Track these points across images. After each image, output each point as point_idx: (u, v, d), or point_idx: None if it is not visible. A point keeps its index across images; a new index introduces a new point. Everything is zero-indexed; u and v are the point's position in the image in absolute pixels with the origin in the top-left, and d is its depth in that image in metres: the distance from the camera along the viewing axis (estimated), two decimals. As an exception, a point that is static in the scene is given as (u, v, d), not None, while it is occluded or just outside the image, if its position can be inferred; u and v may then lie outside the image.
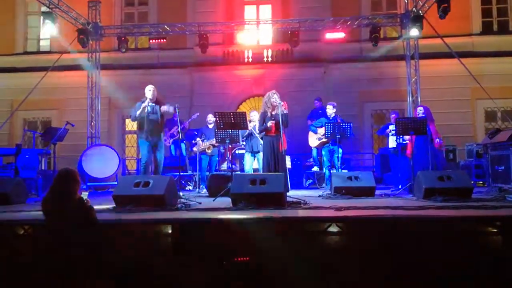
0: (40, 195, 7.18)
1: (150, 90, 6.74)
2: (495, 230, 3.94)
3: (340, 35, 10.80)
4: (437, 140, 7.17)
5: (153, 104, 6.73)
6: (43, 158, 8.83)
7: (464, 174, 6.04)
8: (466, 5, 12.84)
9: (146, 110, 6.63)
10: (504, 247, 3.79)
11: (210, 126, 8.61)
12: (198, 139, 8.51)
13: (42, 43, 14.27)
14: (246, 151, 7.90)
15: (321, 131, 8.20)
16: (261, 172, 7.19)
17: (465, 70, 9.76)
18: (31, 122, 14.00)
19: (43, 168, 8.89)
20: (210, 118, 8.67)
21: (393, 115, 8.36)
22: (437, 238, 3.91)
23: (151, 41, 11.35)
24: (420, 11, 9.93)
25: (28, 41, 14.26)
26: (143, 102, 6.69)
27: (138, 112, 6.65)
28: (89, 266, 3.52)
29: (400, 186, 7.75)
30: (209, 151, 8.39)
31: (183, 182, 9.13)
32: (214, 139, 7.96)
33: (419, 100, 10.70)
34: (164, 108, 6.73)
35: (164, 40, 10.92)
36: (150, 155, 6.68)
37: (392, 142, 8.37)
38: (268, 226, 4.12)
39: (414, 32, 9.88)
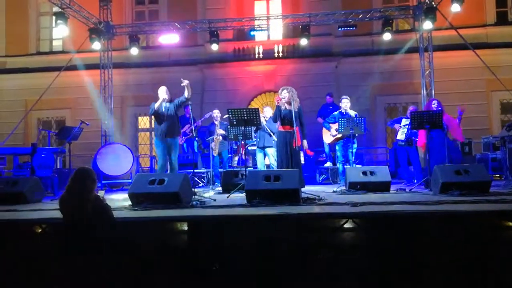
0: (56, 194, 7.26)
1: (163, 91, 6.79)
2: (516, 225, 3.87)
3: (352, 28, 10.64)
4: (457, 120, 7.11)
5: (168, 105, 6.76)
6: (58, 157, 8.93)
7: (482, 167, 5.94)
8: (480, -5, 12.62)
9: (162, 110, 6.67)
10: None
11: (216, 122, 8.62)
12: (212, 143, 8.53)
13: (54, 43, 14.40)
14: (256, 147, 7.90)
15: (335, 126, 8.14)
16: (275, 167, 7.20)
17: (480, 61, 9.61)
18: (45, 121, 14.15)
19: (58, 166, 8.99)
20: (216, 114, 8.66)
21: (411, 108, 8.19)
22: (455, 233, 3.86)
23: (161, 39, 11.32)
24: (433, 3, 9.78)
25: (41, 41, 14.39)
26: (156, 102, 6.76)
27: (156, 105, 6.67)
28: (106, 263, 3.54)
29: (415, 181, 7.68)
30: (219, 137, 8.38)
31: (196, 179, 9.15)
32: (218, 130, 8.08)
33: (433, 93, 10.55)
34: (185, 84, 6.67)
35: (175, 38, 10.92)
36: (166, 156, 6.73)
37: (400, 135, 8.24)
38: (284, 222, 4.11)
39: (427, 24, 9.74)
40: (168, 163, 6.81)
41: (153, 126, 13.75)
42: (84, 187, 3.61)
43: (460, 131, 7.29)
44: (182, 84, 6.62)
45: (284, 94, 6.53)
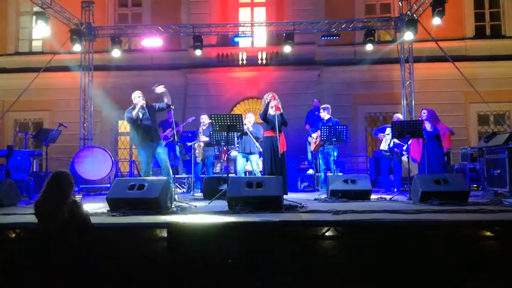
0: (32, 198, 7.07)
1: (140, 96, 6.49)
2: (493, 235, 3.92)
3: (335, 37, 10.76)
4: (445, 130, 7.21)
5: (144, 110, 6.51)
6: (34, 160, 8.71)
7: (461, 177, 6.04)
8: (460, 9, 12.92)
9: (140, 116, 6.42)
10: (502, 252, 3.77)
11: (204, 127, 8.54)
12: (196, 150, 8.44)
13: (34, 43, 14.12)
14: (238, 152, 7.86)
15: (315, 134, 8.23)
16: (257, 174, 7.18)
17: (458, 73, 9.80)
18: (22, 123, 13.82)
19: (34, 170, 8.77)
20: (204, 119, 8.59)
21: (396, 118, 8.34)
22: (435, 243, 3.88)
23: (144, 42, 11.19)
24: (415, 15, 9.95)
25: (20, 41, 14.09)
26: (134, 108, 6.47)
27: (134, 112, 6.39)
28: (82, 270, 3.44)
29: (395, 189, 7.78)
30: (201, 144, 8.31)
31: (177, 185, 9.05)
32: (201, 137, 8.00)
33: (413, 103, 10.73)
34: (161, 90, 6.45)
35: (159, 41, 10.82)
36: (149, 163, 6.54)
37: (384, 145, 8.36)
38: (265, 230, 4.08)
39: (408, 35, 9.91)
40: (160, 164, 6.57)
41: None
42: (61, 191, 3.51)
43: (445, 140, 7.40)
44: (159, 91, 6.38)
45: (277, 99, 6.60)
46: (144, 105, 6.44)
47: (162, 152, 6.53)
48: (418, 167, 7.34)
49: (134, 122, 6.45)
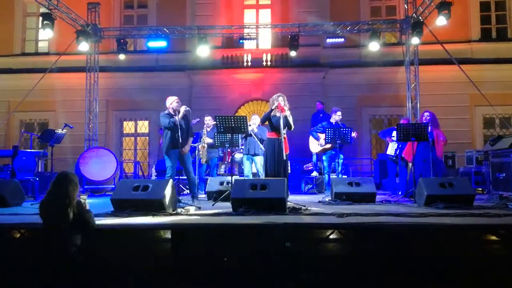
0: (37, 198, 7.10)
1: (178, 102, 6.56)
2: (498, 239, 3.89)
3: (340, 39, 10.74)
4: (441, 138, 7.14)
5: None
6: (40, 160, 8.76)
7: (466, 180, 5.99)
8: (465, 12, 12.89)
9: (177, 123, 6.46)
10: (508, 256, 3.74)
11: (209, 129, 8.55)
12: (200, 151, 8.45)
13: (40, 44, 14.21)
14: (243, 154, 7.86)
15: (323, 136, 8.16)
16: (262, 174, 7.16)
17: (464, 76, 9.75)
18: (28, 123, 13.90)
19: (40, 170, 8.81)
20: (208, 121, 8.59)
21: (403, 121, 8.31)
22: (440, 246, 3.87)
23: (149, 44, 11.18)
24: (420, 17, 9.93)
25: (26, 42, 14.18)
26: (172, 115, 6.51)
27: (178, 118, 6.43)
28: (85, 270, 3.45)
29: (400, 193, 7.74)
30: (205, 145, 8.32)
31: (181, 186, 9.05)
32: (205, 138, 8.02)
33: (418, 106, 10.68)
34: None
35: (164, 43, 10.83)
36: (175, 168, 6.59)
37: (390, 150, 8.33)
38: (269, 232, 4.07)
39: (414, 38, 9.88)
40: (185, 173, 6.64)
41: (138, 131, 13.65)
42: (66, 192, 3.52)
43: (441, 148, 7.33)
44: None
45: (274, 101, 6.54)
46: (184, 112, 6.51)
47: (188, 161, 6.60)
48: (410, 170, 7.29)
49: (172, 128, 6.45)
